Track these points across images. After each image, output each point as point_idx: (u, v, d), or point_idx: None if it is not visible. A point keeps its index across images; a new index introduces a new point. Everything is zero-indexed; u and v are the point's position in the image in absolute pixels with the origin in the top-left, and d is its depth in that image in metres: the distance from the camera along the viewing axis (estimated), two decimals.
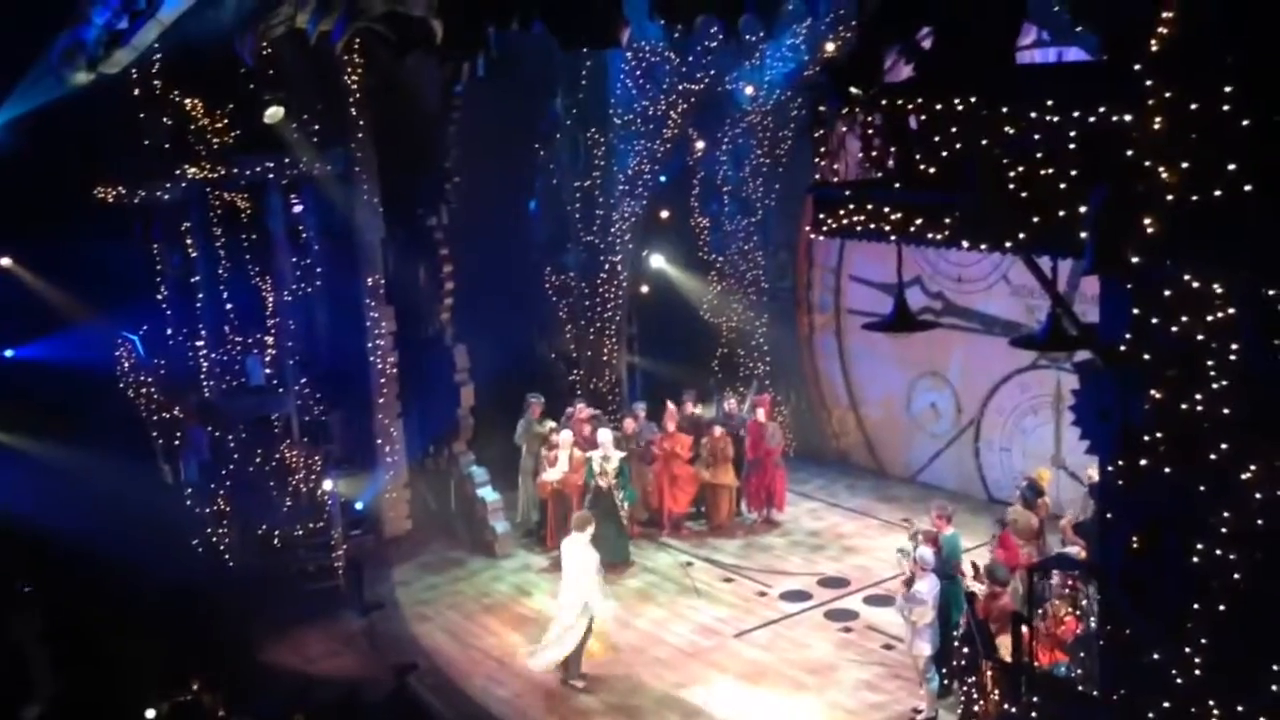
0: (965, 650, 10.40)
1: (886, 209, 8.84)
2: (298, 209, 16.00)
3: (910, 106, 8.59)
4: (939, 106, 8.33)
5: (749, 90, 17.33)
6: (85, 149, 14.66)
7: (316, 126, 15.46)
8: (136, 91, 14.54)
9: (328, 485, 15.28)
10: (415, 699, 11.57)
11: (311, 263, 16.08)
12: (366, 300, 15.96)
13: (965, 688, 10.33)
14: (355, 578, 14.65)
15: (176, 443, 16.06)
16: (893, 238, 8.96)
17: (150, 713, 10.74)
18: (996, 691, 9.76)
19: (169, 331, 15.92)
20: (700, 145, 18.16)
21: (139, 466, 15.78)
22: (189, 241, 15.50)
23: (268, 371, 15.98)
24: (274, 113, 14.23)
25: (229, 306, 15.73)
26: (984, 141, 8.04)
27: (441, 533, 16.42)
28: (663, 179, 17.96)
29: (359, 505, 16.00)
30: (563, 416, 15.96)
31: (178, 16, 11.74)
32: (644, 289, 18.58)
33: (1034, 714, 9.15)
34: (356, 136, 15.63)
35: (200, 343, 15.65)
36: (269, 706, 11.06)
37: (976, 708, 10.08)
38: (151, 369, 16.42)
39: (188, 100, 14.87)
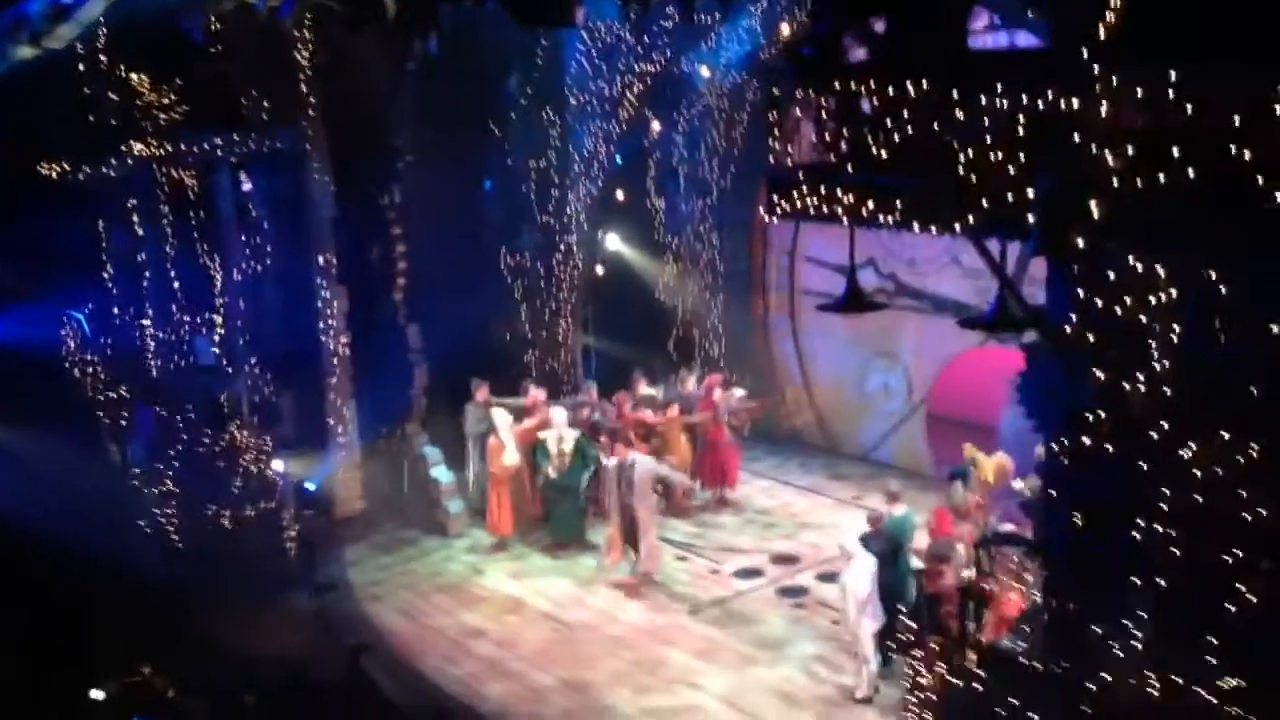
0: (912, 625, 10.59)
1: (839, 191, 8.93)
2: (247, 187, 15.78)
3: (863, 90, 8.67)
4: (891, 91, 8.42)
5: (705, 72, 17.30)
6: (29, 125, 14.34)
7: (266, 104, 15.23)
8: (82, 67, 14.25)
9: (278, 465, 15.16)
10: (368, 679, 11.55)
11: (261, 242, 15.87)
12: (318, 280, 15.79)
13: (911, 662, 10.52)
14: (307, 558, 14.58)
15: (123, 423, 15.85)
16: (845, 220, 9.05)
17: (98, 694, 10.64)
18: (942, 665, 9.95)
19: (115, 311, 15.68)
20: (656, 127, 18.11)
21: (85, 447, 15.54)
22: (135, 219, 15.24)
23: (216, 351, 15.80)
24: None
25: (176, 285, 15.48)
26: (935, 125, 8.13)
27: (394, 513, 16.34)
28: (619, 160, 17.92)
29: (310, 486, 15.88)
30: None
31: None
32: (600, 270, 18.56)
33: (978, 686, 9.34)
34: (307, 114, 15.40)
35: (147, 322, 15.44)
36: (219, 687, 10.98)
37: (922, 681, 10.27)
38: (97, 349, 16.17)
39: (134, 76, 14.60)
